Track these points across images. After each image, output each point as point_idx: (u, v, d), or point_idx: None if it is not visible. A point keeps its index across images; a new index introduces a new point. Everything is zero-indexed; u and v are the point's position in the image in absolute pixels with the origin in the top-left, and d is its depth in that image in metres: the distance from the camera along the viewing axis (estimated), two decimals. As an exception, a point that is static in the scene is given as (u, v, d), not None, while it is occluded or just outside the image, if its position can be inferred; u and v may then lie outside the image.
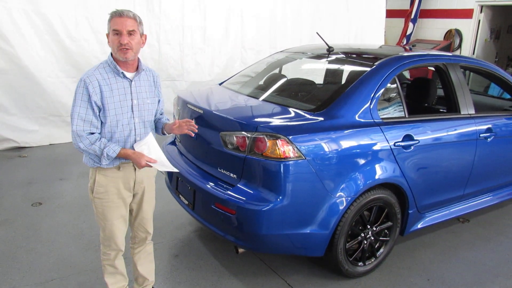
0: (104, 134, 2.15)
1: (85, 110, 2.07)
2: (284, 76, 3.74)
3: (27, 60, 5.32)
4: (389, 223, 3.06)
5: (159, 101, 2.40)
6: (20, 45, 5.24)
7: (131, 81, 2.18)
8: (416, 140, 2.99)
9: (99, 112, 2.11)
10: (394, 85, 3.12)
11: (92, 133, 2.10)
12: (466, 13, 10.13)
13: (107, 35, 2.13)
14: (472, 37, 10.22)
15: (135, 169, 2.26)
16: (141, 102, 2.22)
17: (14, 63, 5.25)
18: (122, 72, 2.14)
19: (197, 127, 2.39)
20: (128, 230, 2.46)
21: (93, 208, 2.30)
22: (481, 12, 10.03)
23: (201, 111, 2.97)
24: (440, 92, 3.77)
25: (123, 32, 2.05)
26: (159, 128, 2.44)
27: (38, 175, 4.63)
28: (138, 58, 2.22)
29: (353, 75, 3.10)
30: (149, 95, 2.28)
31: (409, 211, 3.14)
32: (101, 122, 2.13)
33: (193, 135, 2.39)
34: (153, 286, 2.68)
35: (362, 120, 2.81)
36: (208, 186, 2.78)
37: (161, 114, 2.48)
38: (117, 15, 2.07)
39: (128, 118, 2.18)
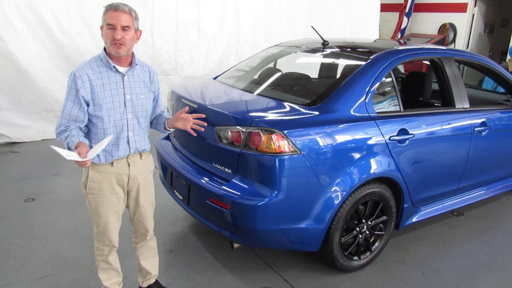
0: (97, 129, 2.13)
1: (71, 104, 2.07)
2: (279, 70, 3.73)
3: (19, 55, 5.26)
4: (384, 217, 3.07)
5: (156, 97, 2.37)
6: (12, 40, 5.18)
7: (124, 75, 2.16)
8: (411, 134, 2.99)
9: (88, 106, 2.09)
10: (389, 79, 3.11)
11: (68, 126, 2.08)
12: (460, 7, 10.15)
13: (101, 28, 2.09)
14: (466, 31, 10.26)
15: (128, 165, 2.24)
16: (134, 98, 2.19)
17: (6, 58, 5.20)
18: (114, 66, 2.12)
19: (206, 124, 2.33)
20: (129, 225, 2.45)
21: (86, 203, 2.28)
22: (475, 6, 10.06)
23: (196, 106, 2.95)
24: (435, 86, 3.78)
25: (117, 27, 2.02)
26: (161, 123, 2.39)
27: (31, 171, 4.59)
28: (133, 53, 2.20)
29: (348, 69, 3.09)
30: (144, 90, 2.25)
31: (404, 205, 3.15)
32: (94, 117, 2.10)
33: (195, 134, 2.35)
34: (156, 279, 2.68)
35: (357, 114, 2.80)
36: (203, 181, 2.76)
37: (162, 111, 2.45)
38: (112, 9, 2.03)
39: (121, 113, 2.15)
